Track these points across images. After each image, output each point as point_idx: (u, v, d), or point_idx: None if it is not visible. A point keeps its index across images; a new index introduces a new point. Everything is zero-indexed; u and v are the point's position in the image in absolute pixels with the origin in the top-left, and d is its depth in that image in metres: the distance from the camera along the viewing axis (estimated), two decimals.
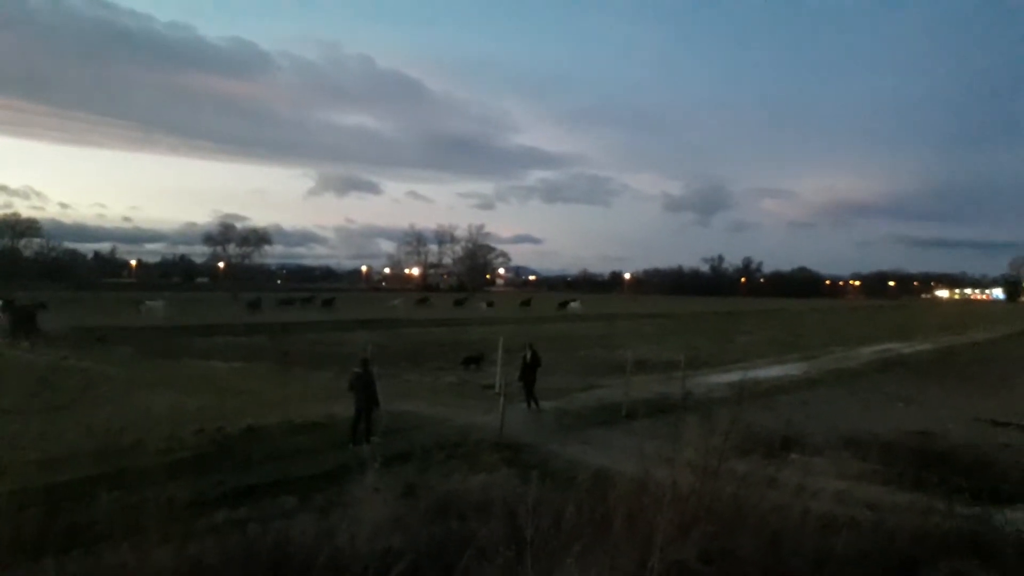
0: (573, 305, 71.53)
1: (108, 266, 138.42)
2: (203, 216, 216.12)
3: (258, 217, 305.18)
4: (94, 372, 20.05)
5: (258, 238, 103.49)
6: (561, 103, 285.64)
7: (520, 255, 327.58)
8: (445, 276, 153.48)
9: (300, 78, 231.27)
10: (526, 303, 73.08)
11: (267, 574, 5.87)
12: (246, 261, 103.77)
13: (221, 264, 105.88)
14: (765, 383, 20.37)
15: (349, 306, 62.61)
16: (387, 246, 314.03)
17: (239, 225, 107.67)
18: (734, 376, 20.78)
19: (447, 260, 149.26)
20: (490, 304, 71.29)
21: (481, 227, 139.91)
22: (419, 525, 6.83)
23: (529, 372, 15.94)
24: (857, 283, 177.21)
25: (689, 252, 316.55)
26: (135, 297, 61.22)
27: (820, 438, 12.76)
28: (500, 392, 14.39)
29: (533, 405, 15.74)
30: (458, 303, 72.14)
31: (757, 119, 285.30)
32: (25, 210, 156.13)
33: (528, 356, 16.10)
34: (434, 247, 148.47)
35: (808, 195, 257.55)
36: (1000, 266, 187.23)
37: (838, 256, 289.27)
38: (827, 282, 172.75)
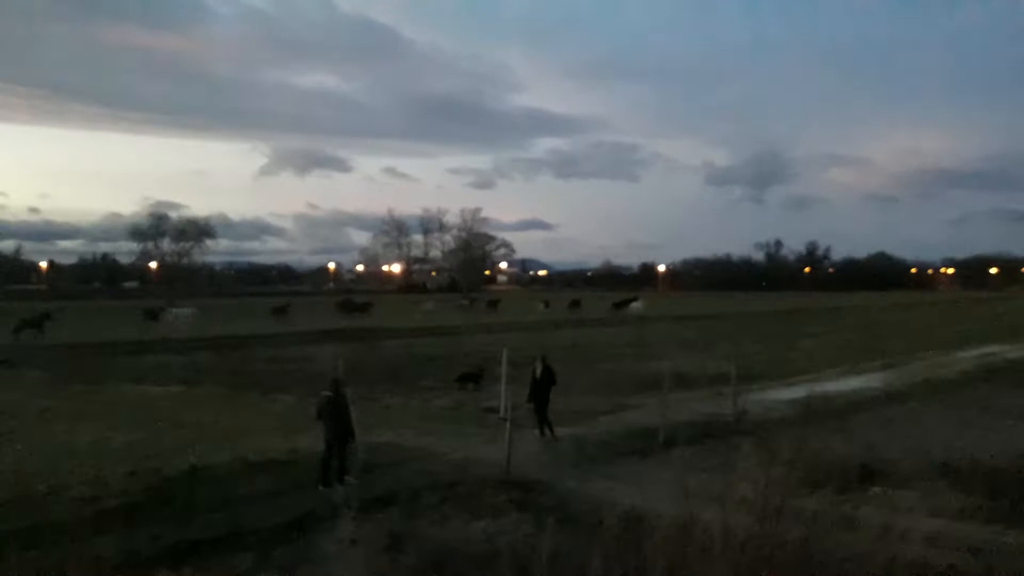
0: (635, 305, 71.21)
1: (12, 270, 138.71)
2: (129, 205, 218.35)
3: (198, 205, 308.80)
4: None
5: (199, 231, 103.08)
6: (574, 53, 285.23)
7: (527, 245, 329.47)
8: (433, 273, 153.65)
9: (246, 29, 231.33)
10: (575, 304, 73.05)
11: None
12: (184, 260, 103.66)
13: (153, 264, 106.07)
14: (838, 399, 20.34)
15: (316, 314, 62.69)
16: (360, 237, 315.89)
17: (174, 215, 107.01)
18: (798, 391, 20.76)
19: (435, 253, 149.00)
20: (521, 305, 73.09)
21: (477, 211, 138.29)
22: None
23: (541, 391, 15.97)
24: (951, 271, 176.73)
25: (739, 236, 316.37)
26: (42, 307, 61.60)
27: (908, 466, 12.74)
28: (506, 417, 14.39)
29: (547, 432, 15.75)
30: (574, 304, 72.52)
31: (822, 66, 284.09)
32: None
33: (539, 371, 16.13)
34: (419, 237, 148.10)
35: (887, 162, 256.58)
36: None
37: (926, 238, 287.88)
38: (913, 270, 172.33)
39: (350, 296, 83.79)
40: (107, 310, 71.82)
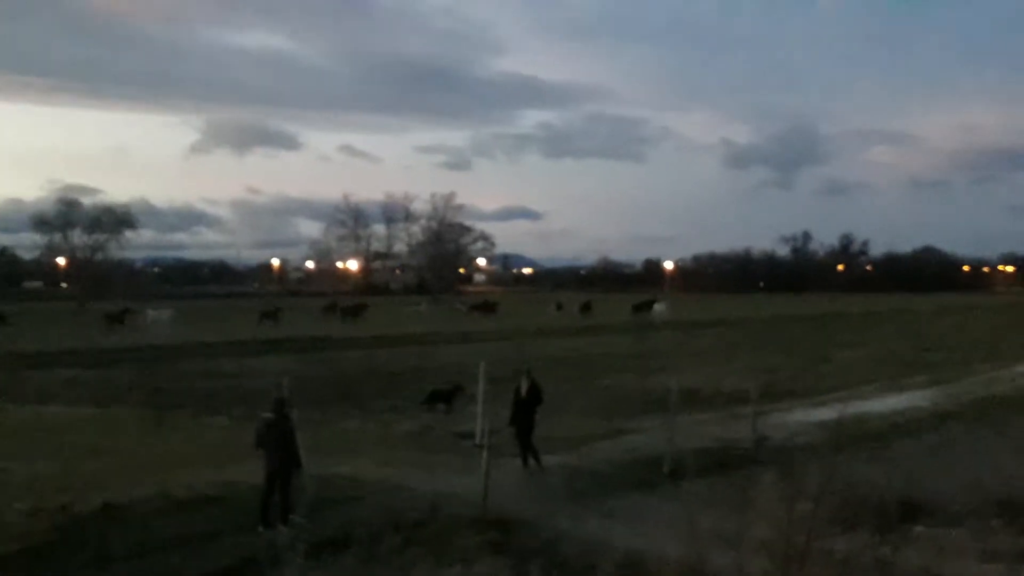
0: (658, 308, 72.14)
1: None
2: (33, 190, 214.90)
3: (116, 189, 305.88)
4: None
5: (116, 220, 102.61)
6: (567, 9, 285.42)
7: (510, 238, 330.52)
8: (398, 271, 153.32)
9: None
10: (587, 307, 74.47)
11: None
12: (99, 255, 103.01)
13: (62, 260, 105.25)
14: (876, 421, 20.47)
15: (295, 320, 62.50)
16: (310, 228, 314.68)
17: (87, 202, 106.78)
18: (829, 412, 20.83)
19: (400, 247, 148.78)
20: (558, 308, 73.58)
21: (451, 197, 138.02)
22: None
23: (525, 412, 15.96)
24: (1010, 269, 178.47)
25: (761, 228, 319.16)
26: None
27: (958, 501, 12.83)
28: (482, 443, 14.39)
29: (532, 461, 15.75)
30: (585, 307, 74.09)
31: (861, 27, 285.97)
32: None
33: (524, 388, 16.13)
34: (380, 228, 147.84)
35: (937, 140, 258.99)
36: None
37: (982, 229, 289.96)
38: (965, 268, 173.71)
39: (335, 299, 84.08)
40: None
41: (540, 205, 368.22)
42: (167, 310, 60.45)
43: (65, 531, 11.92)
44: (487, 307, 73.63)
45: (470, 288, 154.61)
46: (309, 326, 56.27)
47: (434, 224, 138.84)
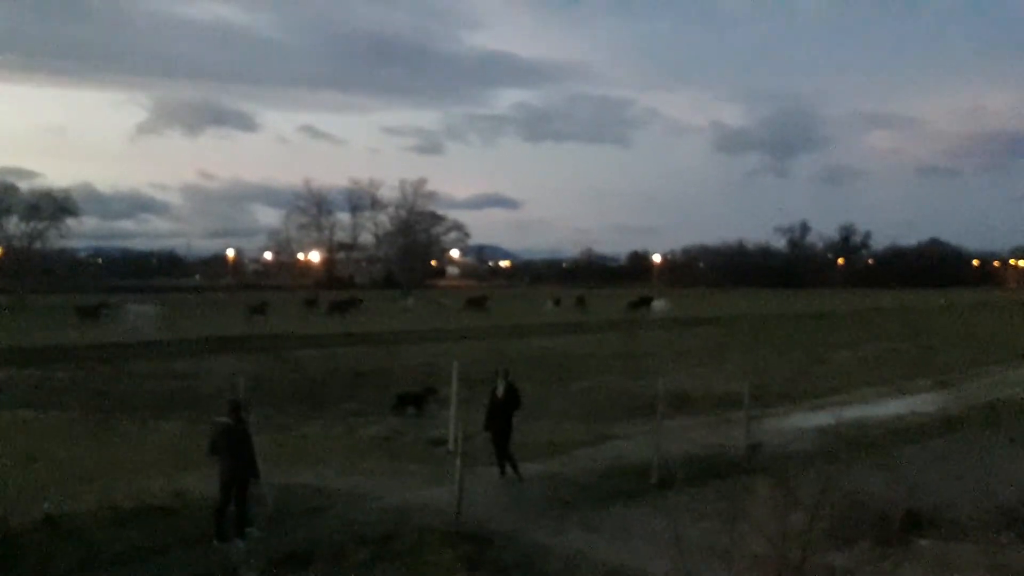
0: (657, 304, 74.03)
1: None
2: None
3: (56, 173, 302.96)
4: None
5: (56, 207, 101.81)
6: None
7: (485, 228, 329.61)
8: (364, 263, 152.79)
9: None
10: (580, 301, 78.39)
11: None
12: (37, 244, 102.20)
13: None
14: (877, 427, 20.67)
15: (282, 314, 62.21)
16: (268, 216, 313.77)
17: (24, 186, 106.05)
18: (827, 417, 21.06)
19: (366, 238, 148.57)
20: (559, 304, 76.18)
21: (421, 183, 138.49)
22: None
23: (501, 416, 16.00)
24: (1022, 263, 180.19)
25: (755, 218, 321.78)
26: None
27: (966, 512, 12.97)
28: (455, 450, 14.41)
29: (509, 469, 15.80)
30: (579, 301, 79.06)
31: (861, 2, 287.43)
32: None
33: (501, 391, 16.17)
34: (345, 217, 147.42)
35: (944, 124, 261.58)
36: None
37: (991, 221, 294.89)
38: (975, 262, 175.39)
39: (316, 293, 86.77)
40: None
41: (517, 192, 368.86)
42: (150, 305, 61.82)
43: (1, 546, 11.85)
44: (479, 302, 74.47)
45: (442, 282, 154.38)
46: (283, 322, 56.29)
47: (403, 212, 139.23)
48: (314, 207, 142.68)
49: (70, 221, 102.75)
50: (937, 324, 59.76)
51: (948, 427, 21.23)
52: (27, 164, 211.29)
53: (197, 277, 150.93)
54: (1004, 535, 11.94)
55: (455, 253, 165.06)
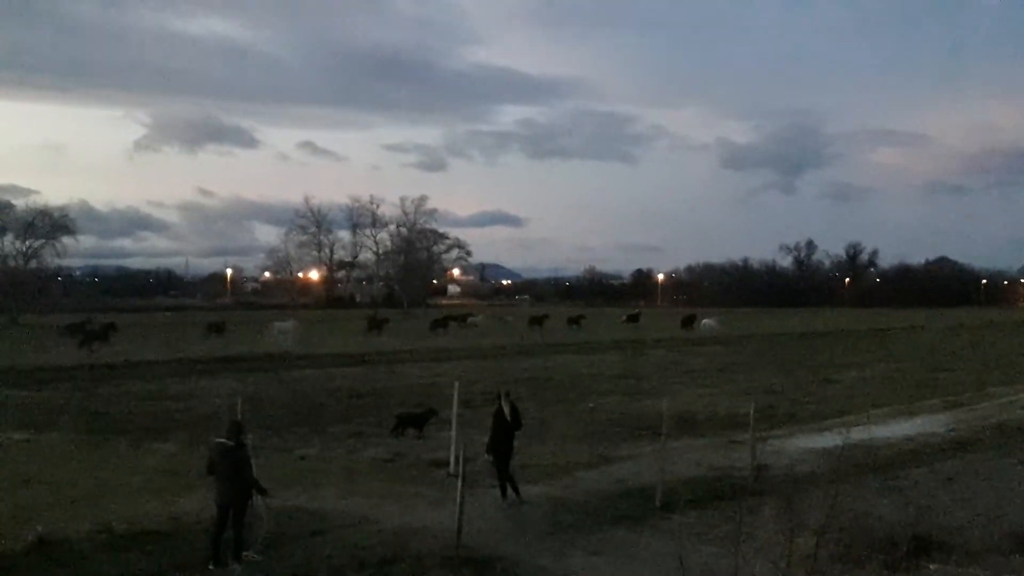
0: (707, 323, 74.91)
1: None
2: None
3: (52, 190, 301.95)
4: None
5: (52, 225, 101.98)
6: None
7: (487, 246, 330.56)
8: (363, 282, 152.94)
9: None
10: (633, 318, 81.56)
11: None
12: (33, 263, 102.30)
13: None
14: (885, 448, 20.58)
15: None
16: (267, 234, 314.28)
17: (20, 204, 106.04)
18: (834, 438, 20.96)
19: (367, 256, 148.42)
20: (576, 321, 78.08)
21: (423, 201, 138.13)
22: None
23: (503, 438, 15.95)
24: None
25: (760, 236, 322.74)
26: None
27: (977, 537, 12.91)
28: (456, 472, 14.34)
29: (510, 492, 15.74)
30: (631, 318, 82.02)
31: (868, 18, 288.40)
32: None
33: (506, 410, 16.11)
34: (345, 235, 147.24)
35: (952, 141, 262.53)
36: None
37: (1001, 239, 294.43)
38: (983, 282, 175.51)
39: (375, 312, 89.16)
40: None
41: (521, 210, 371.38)
42: (290, 321, 64.78)
43: None
44: (539, 320, 76.25)
45: (443, 301, 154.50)
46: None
47: (404, 230, 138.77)
48: (314, 225, 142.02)
49: (66, 239, 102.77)
50: (945, 344, 59.69)
51: (957, 449, 21.15)
52: (23, 181, 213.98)
53: (228, 296, 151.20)
54: (1015, 559, 11.87)
55: (456, 272, 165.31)
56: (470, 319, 79.47)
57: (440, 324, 70.45)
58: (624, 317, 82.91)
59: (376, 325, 68.79)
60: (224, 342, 56.45)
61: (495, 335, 66.48)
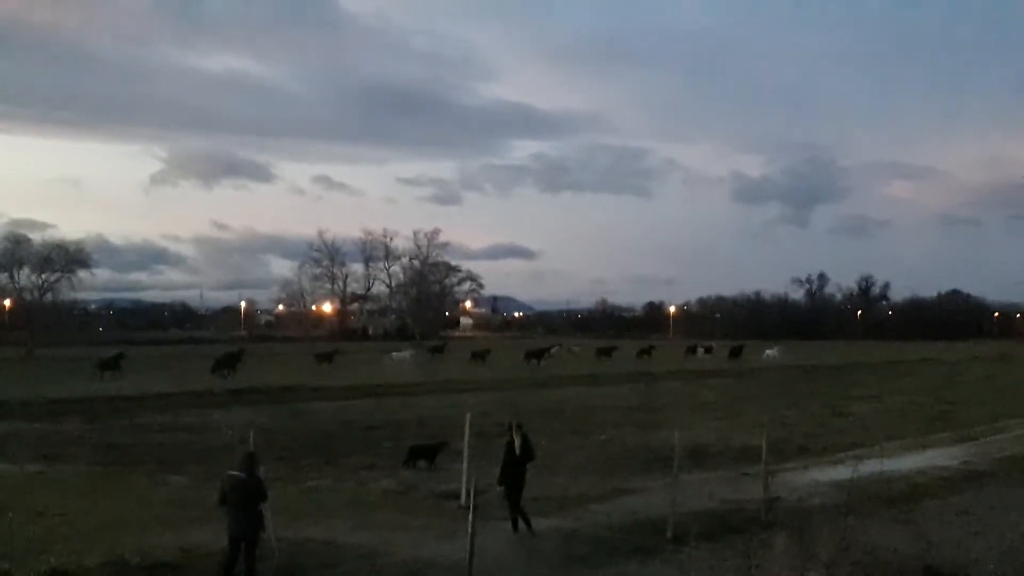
0: (769, 353, 77.42)
1: None
2: None
3: (69, 224, 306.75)
4: None
5: (69, 259, 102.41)
6: (561, 30, 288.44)
7: (500, 278, 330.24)
8: (376, 314, 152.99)
9: None
10: (646, 352, 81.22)
11: None
12: (49, 296, 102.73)
13: (7, 301, 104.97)
14: (898, 481, 20.47)
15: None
16: (281, 267, 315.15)
17: (37, 238, 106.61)
18: (846, 470, 20.82)
19: (380, 288, 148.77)
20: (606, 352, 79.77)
21: (435, 234, 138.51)
22: None
23: (515, 470, 15.94)
24: None
25: (773, 269, 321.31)
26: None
27: (989, 569, 12.83)
28: (468, 505, 14.33)
29: (522, 525, 15.70)
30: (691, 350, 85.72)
31: (880, 52, 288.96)
32: None
33: (517, 442, 16.11)
34: (358, 268, 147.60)
35: (965, 174, 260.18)
36: None
37: (1013, 272, 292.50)
38: (995, 314, 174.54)
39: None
40: None
41: (534, 243, 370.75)
42: (408, 351, 69.59)
43: None
44: (608, 352, 78.85)
45: (456, 333, 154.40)
46: (299, 374, 56.27)
47: (417, 263, 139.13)
48: (327, 258, 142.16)
49: (82, 273, 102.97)
50: (957, 377, 59.37)
51: (970, 482, 21.04)
52: (40, 216, 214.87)
53: (242, 330, 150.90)
54: None
55: (468, 304, 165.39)
56: (553, 350, 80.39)
57: (535, 355, 71.60)
58: (636, 352, 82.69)
59: (326, 358, 70.02)
60: (332, 368, 60.99)
61: (572, 365, 70.12)
